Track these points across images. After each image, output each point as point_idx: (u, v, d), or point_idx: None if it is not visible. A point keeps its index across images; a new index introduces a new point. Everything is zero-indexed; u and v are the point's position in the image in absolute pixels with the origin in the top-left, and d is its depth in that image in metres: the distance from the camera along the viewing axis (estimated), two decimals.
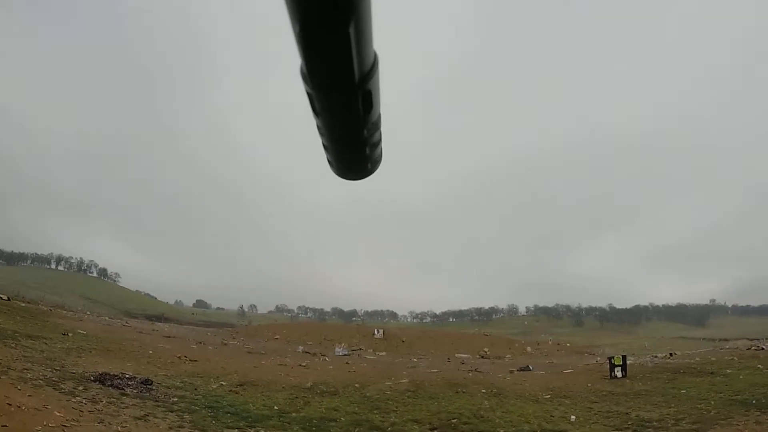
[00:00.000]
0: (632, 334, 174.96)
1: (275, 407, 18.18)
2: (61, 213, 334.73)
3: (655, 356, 44.36)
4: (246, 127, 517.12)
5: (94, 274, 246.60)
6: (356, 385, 24.84)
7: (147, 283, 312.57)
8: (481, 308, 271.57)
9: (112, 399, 15.59)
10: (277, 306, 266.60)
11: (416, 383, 25.75)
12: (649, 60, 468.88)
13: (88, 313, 76.37)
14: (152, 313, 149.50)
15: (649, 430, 16.12)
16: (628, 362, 29.44)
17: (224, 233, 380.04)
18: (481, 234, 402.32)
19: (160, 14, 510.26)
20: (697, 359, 34.78)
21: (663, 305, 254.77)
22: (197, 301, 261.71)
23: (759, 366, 26.96)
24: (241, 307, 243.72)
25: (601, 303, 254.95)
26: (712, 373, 26.44)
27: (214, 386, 21.38)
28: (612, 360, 29.37)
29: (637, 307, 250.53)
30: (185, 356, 29.93)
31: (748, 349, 39.89)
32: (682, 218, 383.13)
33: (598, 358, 45.84)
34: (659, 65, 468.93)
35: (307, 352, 47.95)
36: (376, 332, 70.70)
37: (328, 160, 1.22)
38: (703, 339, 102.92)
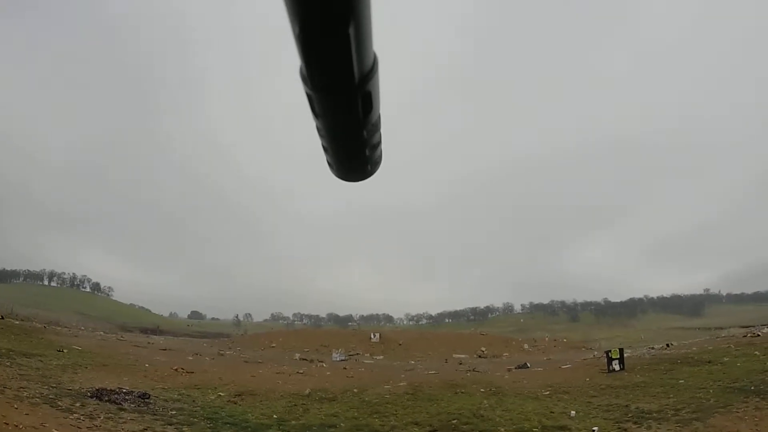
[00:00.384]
0: (628, 327, 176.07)
1: (274, 416, 18.13)
2: (52, 228, 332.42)
3: (652, 348, 44.56)
4: (238, 134, 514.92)
5: (87, 289, 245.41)
6: (355, 390, 24.81)
7: (141, 295, 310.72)
8: (476, 308, 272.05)
9: (110, 414, 15.50)
10: (272, 314, 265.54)
11: (415, 386, 25.75)
12: (647, 60, 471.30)
13: (83, 328, 75.79)
14: (147, 326, 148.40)
15: (649, 421, 16.19)
16: (625, 355, 29.54)
17: (217, 243, 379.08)
18: (474, 234, 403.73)
19: (149, 22, 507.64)
20: (693, 349, 34.96)
21: (658, 297, 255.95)
22: (192, 312, 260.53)
23: (756, 353, 27.09)
24: (236, 317, 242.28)
25: (596, 298, 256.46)
26: (709, 361, 26.57)
27: (212, 397, 21.30)
28: (609, 353, 29.46)
29: (632, 300, 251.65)
30: (182, 368, 29.77)
31: (744, 336, 40.12)
32: (674, 211, 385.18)
33: (596, 353, 46.13)
34: (659, 65, 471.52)
35: (304, 359, 47.84)
36: (372, 336, 70.56)
37: (328, 162, 1.21)
38: (699, 329, 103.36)
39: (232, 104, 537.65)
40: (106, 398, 17.62)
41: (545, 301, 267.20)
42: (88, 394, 17.98)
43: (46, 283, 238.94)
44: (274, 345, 67.07)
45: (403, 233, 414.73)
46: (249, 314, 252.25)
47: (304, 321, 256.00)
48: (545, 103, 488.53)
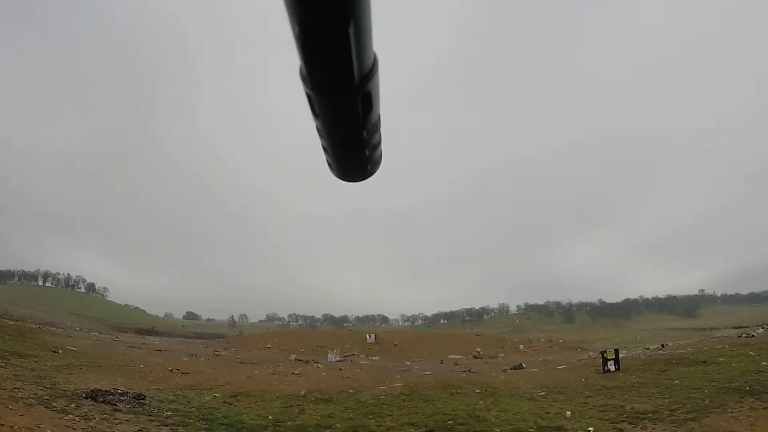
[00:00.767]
0: (623, 327, 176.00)
1: (270, 417, 18.10)
2: (47, 228, 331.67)
3: (647, 348, 44.66)
4: (234, 135, 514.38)
5: (82, 290, 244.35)
6: (350, 390, 24.80)
7: (136, 296, 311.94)
8: (472, 309, 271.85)
9: (105, 415, 15.46)
10: (267, 315, 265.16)
11: (410, 386, 25.73)
12: (636, 60, 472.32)
13: (78, 329, 75.69)
14: (142, 326, 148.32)
15: (645, 421, 16.22)
16: (620, 355, 29.65)
17: (212, 244, 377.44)
18: (470, 235, 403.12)
19: (146, 23, 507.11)
20: (689, 349, 35.09)
21: (653, 298, 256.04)
22: (187, 313, 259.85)
23: (751, 353, 27.21)
24: (232, 318, 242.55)
25: (592, 298, 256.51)
26: (704, 362, 26.66)
27: (208, 398, 21.27)
28: (605, 354, 29.53)
29: (627, 300, 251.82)
30: (177, 369, 29.72)
31: (739, 336, 40.26)
32: (669, 212, 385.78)
33: (591, 353, 46.17)
34: (646, 65, 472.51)
35: (299, 360, 47.81)
36: (368, 337, 70.56)
37: (328, 162, 1.21)
38: (694, 329, 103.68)
39: (229, 105, 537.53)
40: (101, 399, 17.57)
41: (541, 302, 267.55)
42: (83, 395, 17.92)
43: (41, 283, 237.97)
44: (269, 346, 67.05)
45: (398, 234, 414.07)
46: (244, 315, 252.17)
47: (300, 322, 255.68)
48: (542, 103, 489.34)
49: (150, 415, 16.54)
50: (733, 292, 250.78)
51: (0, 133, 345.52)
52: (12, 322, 49.42)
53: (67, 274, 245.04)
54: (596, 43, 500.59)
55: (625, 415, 17.23)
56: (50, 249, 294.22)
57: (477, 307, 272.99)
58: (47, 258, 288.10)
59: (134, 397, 18.65)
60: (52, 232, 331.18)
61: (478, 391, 24.07)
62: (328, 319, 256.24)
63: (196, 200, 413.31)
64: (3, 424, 11.81)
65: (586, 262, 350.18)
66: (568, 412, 18.12)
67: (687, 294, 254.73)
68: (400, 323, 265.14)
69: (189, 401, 20.11)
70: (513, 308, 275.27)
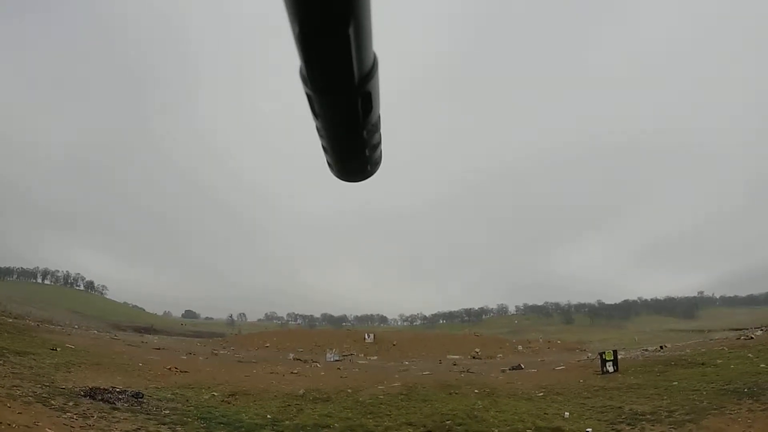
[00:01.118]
0: (622, 328, 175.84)
1: (268, 416, 18.11)
2: (47, 226, 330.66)
3: (646, 350, 44.70)
4: (234, 134, 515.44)
5: (81, 287, 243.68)
6: (349, 390, 24.81)
7: (134, 294, 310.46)
8: (471, 309, 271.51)
9: (103, 413, 15.46)
10: (266, 314, 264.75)
11: (409, 386, 25.74)
12: (636, 60, 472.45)
13: (76, 326, 75.72)
14: (141, 324, 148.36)
15: (643, 422, 16.22)
16: (619, 357, 29.65)
17: (211, 243, 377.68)
18: (469, 235, 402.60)
19: (147, 22, 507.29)
20: (687, 351, 35.10)
21: (651, 299, 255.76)
22: (186, 311, 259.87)
23: (749, 355, 27.22)
24: (231, 316, 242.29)
25: (590, 299, 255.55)
26: (702, 363, 26.66)
27: (206, 397, 21.27)
28: (603, 355, 29.51)
29: (626, 302, 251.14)
30: (175, 368, 29.74)
31: (738, 338, 40.27)
32: (668, 213, 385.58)
33: (589, 354, 46.17)
34: (647, 66, 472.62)
35: (298, 359, 47.84)
36: (366, 337, 70.58)
37: (328, 162, 1.21)
38: (692, 331, 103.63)
39: (230, 104, 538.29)
40: (100, 397, 17.58)
41: (539, 303, 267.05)
42: (82, 393, 17.93)
43: (39, 281, 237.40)
44: (268, 345, 67.08)
45: (398, 234, 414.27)
46: (243, 314, 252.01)
47: (299, 321, 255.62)
48: (542, 103, 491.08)
49: (148, 414, 16.55)
50: (731, 294, 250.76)
51: (2, 131, 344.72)
52: (11, 320, 49.46)
53: (66, 271, 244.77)
54: (597, 43, 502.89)
55: (623, 417, 17.22)
56: (49, 246, 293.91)
57: (476, 308, 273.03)
58: (46, 255, 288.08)
59: (132, 396, 18.66)
60: (52, 230, 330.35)
61: (476, 391, 24.08)
62: (327, 318, 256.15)
63: (196, 199, 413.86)
64: (1, 422, 11.80)
65: (585, 263, 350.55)
66: (567, 413, 18.13)
67: (686, 296, 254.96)
68: (399, 323, 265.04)
69: (187, 400, 20.12)
70: (512, 309, 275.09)
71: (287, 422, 17.40)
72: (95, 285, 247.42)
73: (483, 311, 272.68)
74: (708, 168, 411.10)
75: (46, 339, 36.74)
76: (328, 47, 0.81)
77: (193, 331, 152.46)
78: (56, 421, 13.55)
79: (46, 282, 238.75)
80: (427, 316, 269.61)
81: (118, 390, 19.24)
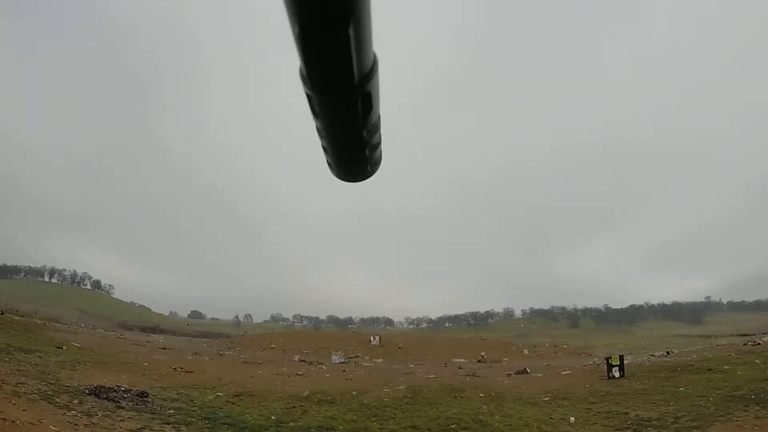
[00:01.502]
0: (629, 333, 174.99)
1: (272, 417, 18.12)
2: (54, 225, 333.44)
3: (652, 355, 44.45)
4: (238, 135, 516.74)
5: (88, 287, 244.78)
6: (353, 392, 24.80)
7: (141, 294, 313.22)
8: (477, 312, 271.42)
9: (107, 412, 15.51)
10: (272, 315, 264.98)
11: (414, 389, 25.72)
12: (643, 60, 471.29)
13: (83, 325, 76.14)
14: (147, 324, 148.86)
15: (649, 429, 16.16)
16: (625, 362, 29.47)
17: (218, 244, 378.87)
18: (475, 238, 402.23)
19: (149, 22, 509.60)
20: (694, 356, 34.94)
21: (658, 304, 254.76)
22: (192, 311, 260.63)
23: (756, 361, 27.04)
24: (236, 317, 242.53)
25: (597, 304, 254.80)
26: (709, 369, 26.51)
27: (211, 397, 21.30)
28: (609, 360, 29.39)
29: (632, 306, 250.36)
30: (181, 367, 29.80)
31: (745, 344, 40.05)
32: (674, 218, 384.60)
33: (595, 359, 45.97)
34: (654, 65, 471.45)
35: (303, 361, 47.83)
36: (372, 339, 70.51)
37: (328, 162, 1.21)
38: (699, 336, 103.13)
39: (233, 105, 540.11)
40: (104, 396, 17.64)
41: (546, 307, 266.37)
42: (87, 391, 18.00)
43: (46, 279, 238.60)
44: (273, 346, 67.08)
45: (403, 236, 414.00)
46: (249, 315, 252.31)
47: (304, 323, 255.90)
48: (548, 105, 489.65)
49: (153, 413, 16.59)
50: (739, 300, 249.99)
51: (8, 130, 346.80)
52: (17, 318, 49.69)
53: (73, 270, 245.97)
54: (601, 43, 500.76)
55: (629, 422, 17.16)
56: (57, 245, 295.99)
57: (482, 311, 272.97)
58: (53, 254, 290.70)
59: (137, 395, 18.72)
60: (59, 229, 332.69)
61: (481, 395, 24.04)
62: (333, 320, 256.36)
63: (203, 200, 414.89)
64: (5, 419, 11.85)
65: (591, 266, 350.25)
66: (572, 418, 18.07)
67: (693, 301, 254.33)
68: (405, 326, 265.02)
69: (192, 400, 20.16)
70: (518, 313, 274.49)
71: (292, 424, 17.40)
72: (102, 284, 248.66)
73: (489, 315, 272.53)
74: (716, 171, 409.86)
75: (52, 337, 36.93)
76: (328, 47, 0.80)
77: (198, 331, 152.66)
78: (60, 418, 13.59)
79: (53, 281, 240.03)
80: (433, 319, 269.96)
81: (123, 389, 19.31)
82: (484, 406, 20.96)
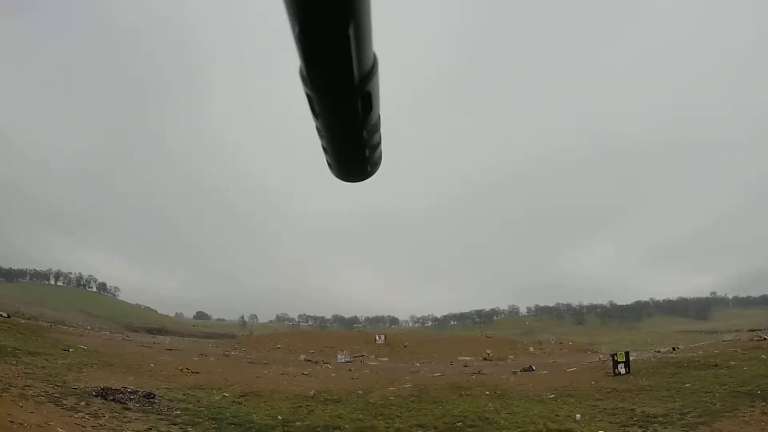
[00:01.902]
0: (634, 330, 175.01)
1: (279, 417, 18.15)
2: (59, 228, 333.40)
3: (658, 351, 44.38)
4: (242, 136, 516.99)
5: (94, 289, 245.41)
6: (359, 391, 24.82)
7: (147, 296, 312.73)
8: (482, 310, 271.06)
9: (114, 413, 15.55)
10: (277, 315, 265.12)
11: (420, 388, 25.71)
12: (645, 60, 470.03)
13: (89, 327, 76.27)
14: (153, 326, 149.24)
15: (655, 425, 16.13)
16: (631, 358, 29.46)
17: (223, 244, 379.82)
18: (479, 236, 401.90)
19: (150, 23, 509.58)
20: (700, 352, 34.83)
21: (664, 300, 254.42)
22: (198, 312, 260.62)
23: (763, 357, 26.98)
24: (242, 318, 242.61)
25: (602, 300, 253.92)
26: (715, 365, 26.43)
27: (217, 398, 21.34)
28: (615, 357, 29.36)
29: (638, 302, 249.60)
30: (187, 368, 29.85)
31: (751, 340, 39.92)
32: (679, 213, 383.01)
33: (601, 356, 45.91)
34: (655, 65, 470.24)
35: (309, 361, 47.88)
36: (377, 338, 70.49)
37: (328, 162, 1.21)
38: (705, 332, 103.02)
39: (236, 106, 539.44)
40: (111, 397, 17.67)
41: (551, 304, 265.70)
42: (93, 393, 18.03)
43: (52, 282, 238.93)
44: (279, 346, 67.12)
45: (406, 236, 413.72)
46: (254, 315, 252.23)
47: (310, 322, 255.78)
48: (552, 103, 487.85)
49: (159, 414, 16.62)
50: (745, 295, 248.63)
51: (11, 133, 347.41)
52: (23, 321, 49.80)
53: (79, 273, 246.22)
54: (602, 44, 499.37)
55: (635, 419, 17.12)
56: (62, 248, 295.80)
57: (487, 309, 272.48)
58: (59, 257, 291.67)
59: (144, 396, 18.75)
60: (64, 232, 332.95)
61: (487, 393, 24.01)
62: (338, 319, 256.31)
63: (208, 201, 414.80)
64: (13, 422, 11.89)
65: (596, 263, 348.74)
66: (578, 415, 18.04)
67: (698, 296, 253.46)
68: (410, 324, 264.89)
69: (198, 400, 20.19)
70: (523, 310, 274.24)
71: (298, 423, 17.44)
72: (108, 286, 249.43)
73: (494, 312, 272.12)
74: (721, 166, 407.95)
75: (59, 340, 37.00)
76: (328, 47, 0.81)
77: (204, 332, 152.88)
78: (68, 420, 13.64)
79: (59, 283, 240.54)
80: (438, 317, 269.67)
81: (129, 390, 19.35)
82: (490, 404, 20.94)
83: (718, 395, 19.16)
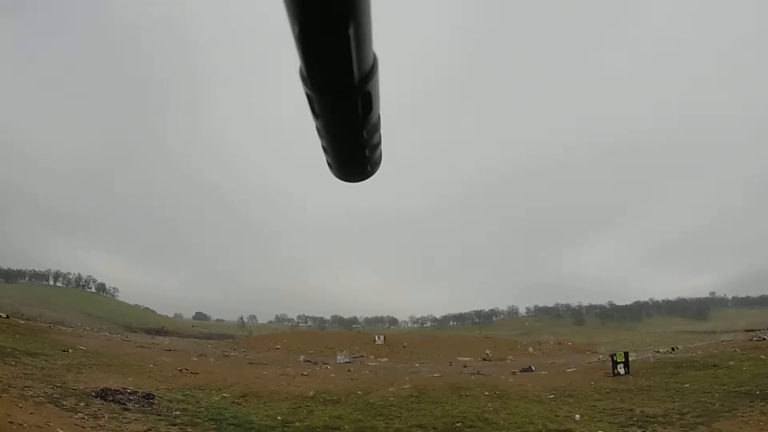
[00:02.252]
0: (633, 330, 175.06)
1: (278, 417, 18.13)
2: (58, 229, 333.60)
3: (657, 351, 44.38)
4: (241, 137, 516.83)
5: (93, 289, 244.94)
6: (359, 392, 24.81)
7: (146, 296, 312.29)
8: (481, 311, 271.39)
9: (114, 414, 15.52)
10: (276, 316, 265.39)
11: (419, 388, 25.70)
12: (645, 60, 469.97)
13: (88, 328, 76.29)
14: (152, 326, 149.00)
15: (654, 425, 16.13)
16: (630, 358, 29.48)
17: (222, 245, 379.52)
18: (479, 236, 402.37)
19: (150, 24, 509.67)
20: (699, 353, 34.87)
21: (663, 300, 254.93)
22: (197, 313, 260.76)
23: (762, 357, 27.00)
24: (241, 318, 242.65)
25: (601, 301, 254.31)
26: (714, 365, 26.45)
27: (217, 398, 21.32)
28: (614, 357, 29.36)
29: (637, 303, 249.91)
30: (186, 369, 29.84)
31: (750, 340, 39.94)
32: (678, 214, 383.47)
33: (600, 356, 45.90)
34: (655, 65, 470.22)
35: (308, 361, 47.85)
36: (377, 339, 70.49)
37: (328, 162, 1.21)
38: (704, 332, 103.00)
39: (235, 106, 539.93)
40: (111, 398, 17.65)
41: (550, 304, 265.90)
42: (93, 393, 18.01)
43: (51, 283, 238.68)
44: (278, 347, 67.11)
45: (406, 236, 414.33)
46: (254, 316, 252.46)
47: (309, 323, 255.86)
48: (545, 105, 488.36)
49: (159, 415, 16.60)
50: (744, 295, 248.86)
51: (10, 134, 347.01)
52: (23, 321, 49.84)
53: (78, 273, 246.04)
54: (602, 44, 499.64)
55: (634, 419, 17.12)
56: (61, 249, 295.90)
57: (486, 309, 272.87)
58: (58, 258, 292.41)
59: (143, 397, 18.73)
60: (63, 233, 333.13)
61: (486, 393, 24.01)
62: (337, 320, 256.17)
63: (208, 201, 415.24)
64: (13, 422, 11.88)
65: (596, 264, 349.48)
66: (577, 416, 18.04)
67: (698, 296, 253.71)
68: (409, 325, 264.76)
69: (198, 401, 20.17)
70: (522, 310, 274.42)
71: (297, 424, 17.42)
72: (107, 287, 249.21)
73: (493, 313, 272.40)
74: (720, 167, 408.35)
75: (58, 340, 36.98)
76: (328, 47, 0.81)
77: (203, 332, 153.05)
78: (67, 421, 13.61)
79: (58, 284, 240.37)
80: (438, 317, 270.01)
81: (129, 391, 19.33)
82: (490, 405, 20.94)
83: (717, 395, 19.17)
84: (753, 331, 59.45)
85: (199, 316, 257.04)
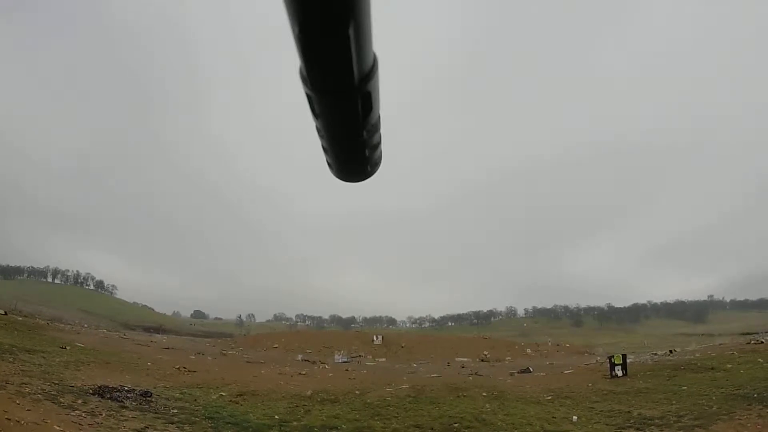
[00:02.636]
0: (631, 332, 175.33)
1: (276, 416, 18.13)
2: (57, 226, 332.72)
3: (655, 354, 44.42)
4: (240, 137, 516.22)
5: (91, 287, 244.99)
6: (357, 392, 24.80)
7: (144, 294, 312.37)
8: (479, 311, 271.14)
9: (111, 412, 15.52)
10: (275, 315, 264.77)
11: (417, 388, 25.72)
12: (645, 60, 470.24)
13: (86, 325, 76.25)
14: (150, 324, 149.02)
15: (652, 427, 16.14)
16: (628, 361, 29.49)
17: (221, 244, 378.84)
18: (477, 237, 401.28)
19: (150, 23, 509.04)
20: (697, 355, 34.87)
21: (661, 302, 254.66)
22: (195, 311, 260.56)
23: (759, 360, 26.98)
24: (239, 317, 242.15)
25: (600, 303, 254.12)
26: (712, 368, 26.46)
27: (214, 397, 21.32)
28: (612, 359, 29.39)
29: (635, 305, 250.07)
30: (184, 367, 29.85)
31: (748, 343, 39.97)
32: (677, 216, 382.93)
33: (598, 358, 45.93)
34: (655, 65, 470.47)
35: (306, 360, 47.91)
36: (375, 338, 70.64)
37: (328, 162, 1.21)
38: (702, 335, 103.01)
39: (235, 106, 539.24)
40: (108, 396, 17.65)
41: (548, 306, 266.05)
42: (90, 391, 18.01)
43: (50, 280, 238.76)
44: (276, 346, 67.17)
45: (405, 236, 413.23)
46: (252, 315, 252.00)
47: (307, 322, 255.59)
48: (545, 105, 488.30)
49: (156, 413, 16.60)
50: (742, 298, 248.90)
51: (10, 132, 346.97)
52: (21, 318, 49.74)
53: (76, 271, 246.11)
54: (602, 44, 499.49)
55: (632, 421, 17.14)
56: (60, 246, 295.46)
57: (484, 310, 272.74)
58: (56, 255, 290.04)
59: (141, 395, 18.73)
60: (62, 230, 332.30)
61: (484, 394, 24.02)
62: (336, 319, 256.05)
63: (205, 200, 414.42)
64: (10, 419, 11.87)
65: (594, 266, 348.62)
66: (575, 417, 18.06)
67: (696, 299, 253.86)
68: (408, 325, 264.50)
69: (195, 399, 20.17)
70: (521, 311, 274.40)
71: (295, 423, 17.41)
72: (105, 284, 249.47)
73: (492, 314, 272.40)
74: (718, 169, 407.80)
75: (56, 337, 36.96)
76: (328, 47, 0.81)
77: (202, 331, 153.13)
78: (65, 418, 13.61)
79: (57, 281, 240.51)
80: (436, 318, 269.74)
81: (126, 389, 19.32)
82: (487, 405, 20.96)
83: (714, 398, 19.18)
84: (751, 334, 59.56)
85: (198, 315, 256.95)
